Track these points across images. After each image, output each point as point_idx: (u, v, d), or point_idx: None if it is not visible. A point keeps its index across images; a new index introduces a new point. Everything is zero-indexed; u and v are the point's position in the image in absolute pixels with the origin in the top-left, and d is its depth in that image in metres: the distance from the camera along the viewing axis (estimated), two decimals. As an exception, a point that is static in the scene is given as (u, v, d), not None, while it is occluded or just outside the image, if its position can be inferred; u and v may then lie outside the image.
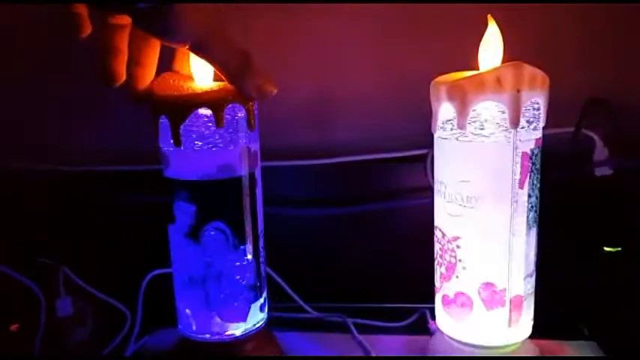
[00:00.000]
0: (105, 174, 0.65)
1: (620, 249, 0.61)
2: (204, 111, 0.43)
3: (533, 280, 0.46)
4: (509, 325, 0.45)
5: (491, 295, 0.45)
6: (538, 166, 0.44)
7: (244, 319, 0.47)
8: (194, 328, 0.47)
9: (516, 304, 0.45)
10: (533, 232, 0.45)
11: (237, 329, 0.47)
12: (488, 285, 0.44)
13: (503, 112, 0.42)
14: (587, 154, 0.62)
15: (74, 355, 0.54)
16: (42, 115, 0.66)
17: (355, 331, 0.54)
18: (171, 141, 0.43)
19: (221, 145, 0.44)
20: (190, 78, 0.45)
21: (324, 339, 0.54)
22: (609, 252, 0.61)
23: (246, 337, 0.48)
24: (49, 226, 0.64)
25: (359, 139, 0.63)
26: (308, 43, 0.63)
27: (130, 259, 0.62)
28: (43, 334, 0.53)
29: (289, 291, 0.59)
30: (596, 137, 0.62)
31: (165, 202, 0.46)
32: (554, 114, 0.63)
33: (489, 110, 0.42)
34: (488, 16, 0.45)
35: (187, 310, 0.47)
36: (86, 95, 0.59)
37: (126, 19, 0.43)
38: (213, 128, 0.43)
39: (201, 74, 0.45)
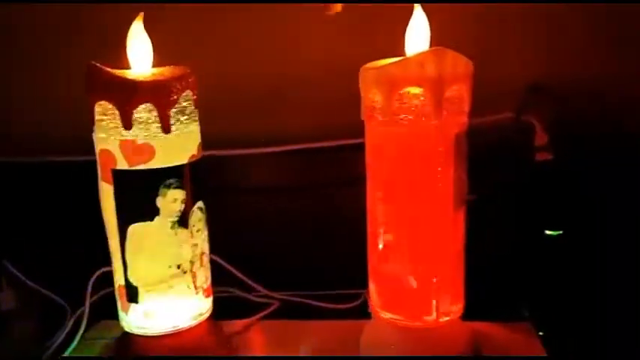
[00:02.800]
0: (50, 165, 0.64)
1: (561, 232, 0.63)
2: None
3: (462, 262, 0.47)
4: (437, 308, 0.46)
5: (419, 278, 0.45)
6: (464, 151, 0.45)
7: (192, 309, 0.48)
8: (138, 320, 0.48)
9: (444, 286, 0.46)
10: (460, 216, 0.46)
11: (180, 319, 0.48)
12: (416, 268, 0.45)
13: (427, 97, 0.42)
14: (527, 139, 0.63)
15: (17, 349, 0.53)
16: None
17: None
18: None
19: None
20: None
21: (268, 326, 0.55)
22: (550, 235, 0.63)
23: (189, 328, 0.49)
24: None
25: (306, 127, 0.64)
26: (254, 32, 0.64)
27: (73, 254, 0.62)
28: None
29: (244, 278, 0.60)
30: (536, 122, 0.63)
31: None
32: (495, 100, 0.65)
33: (415, 95, 0.43)
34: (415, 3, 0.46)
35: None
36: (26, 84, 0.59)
37: None
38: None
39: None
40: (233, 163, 0.63)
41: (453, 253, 0.46)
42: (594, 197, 0.62)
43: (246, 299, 0.59)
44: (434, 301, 0.46)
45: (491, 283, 0.57)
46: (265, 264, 0.61)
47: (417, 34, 0.45)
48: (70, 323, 0.56)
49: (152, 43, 0.47)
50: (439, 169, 0.44)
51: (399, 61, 0.43)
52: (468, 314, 0.50)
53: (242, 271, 0.60)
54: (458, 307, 0.48)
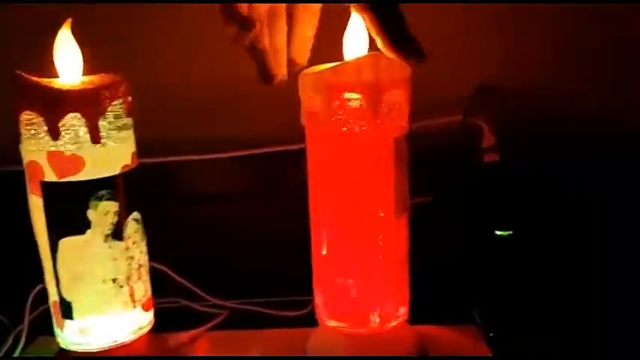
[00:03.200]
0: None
1: (510, 232, 0.63)
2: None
3: (406, 268, 0.47)
4: (381, 314, 0.45)
5: (362, 284, 0.45)
6: (405, 155, 0.45)
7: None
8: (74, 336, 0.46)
9: (387, 292, 0.45)
10: (403, 220, 0.46)
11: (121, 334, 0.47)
12: (359, 275, 0.45)
13: (365, 102, 0.42)
14: (475, 141, 0.63)
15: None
16: None
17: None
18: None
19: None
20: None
21: (214, 337, 0.54)
22: (500, 236, 0.63)
23: (131, 341, 0.47)
24: None
25: (252, 133, 0.63)
26: (201, 36, 0.63)
27: (13, 269, 0.59)
28: None
29: (191, 287, 0.59)
30: (483, 124, 0.63)
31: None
32: (443, 102, 0.65)
33: (353, 100, 0.42)
34: (351, 6, 0.45)
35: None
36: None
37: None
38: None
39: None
40: (178, 169, 0.62)
41: (397, 258, 0.46)
42: (543, 197, 0.63)
43: (193, 309, 0.58)
44: (377, 307, 0.45)
45: (441, 286, 0.57)
46: (213, 272, 0.60)
47: (355, 38, 0.45)
48: (11, 339, 0.54)
49: (89, 50, 0.46)
50: (379, 174, 0.43)
51: (336, 66, 0.43)
52: (418, 318, 0.50)
53: (189, 280, 0.59)
54: (403, 312, 0.47)
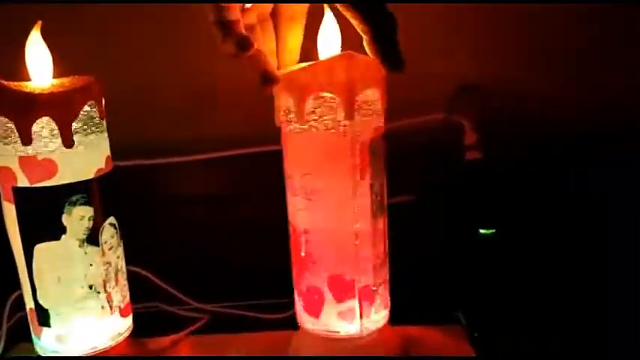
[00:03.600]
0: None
1: (494, 230, 0.63)
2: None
3: (385, 269, 0.46)
4: (361, 317, 0.45)
5: (341, 287, 0.44)
6: (381, 155, 0.44)
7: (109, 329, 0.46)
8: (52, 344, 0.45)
9: (366, 294, 0.45)
10: (381, 221, 0.45)
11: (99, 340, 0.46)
12: (337, 277, 0.44)
13: (338, 102, 0.41)
14: (457, 139, 0.63)
15: None
16: None
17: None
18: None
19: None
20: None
21: (194, 341, 0.53)
22: (484, 234, 0.63)
23: (110, 348, 0.47)
24: None
25: (230, 134, 0.62)
26: (176, 38, 0.62)
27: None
28: None
29: (173, 292, 0.58)
30: (465, 122, 0.63)
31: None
32: (424, 101, 0.64)
33: (327, 100, 0.42)
34: (325, 5, 0.44)
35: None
36: None
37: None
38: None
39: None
40: (158, 172, 0.61)
41: (376, 260, 0.45)
42: (525, 196, 0.63)
43: (173, 314, 0.57)
44: (357, 310, 0.45)
45: (425, 286, 0.56)
46: (194, 275, 0.59)
47: (328, 38, 0.44)
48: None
49: (61, 52, 0.45)
50: (354, 174, 0.43)
51: (309, 66, 0.42)
52: (401, 318, 0.50)
53: (169, 284, 0.58)
54: (384, 314, 0.47)
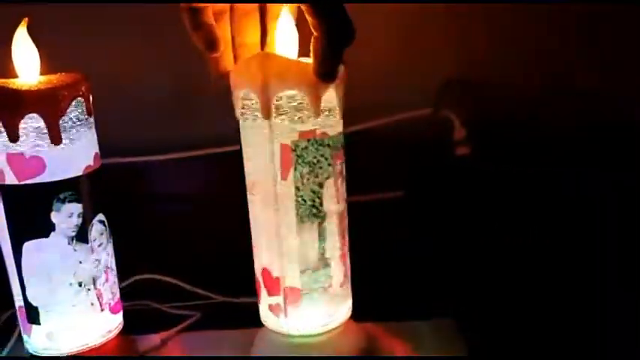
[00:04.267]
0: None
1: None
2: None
3: (320, 274, 0.45)
4: (286, 315, 0.45)
5: (269, 281, 0.45)
6: (310, 159, 0.43)
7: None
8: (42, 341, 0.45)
9: (292, 295, 0.44)
10: (310, 227, 0.44)
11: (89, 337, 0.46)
12: (266, 271, 0.45)
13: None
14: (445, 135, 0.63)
15: None
16: None
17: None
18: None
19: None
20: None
21: (185, 338, 0.53)
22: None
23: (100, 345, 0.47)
24: None
25: (217, 132, 0.62)
26: (162, 33, 0.62)
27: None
28: None
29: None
30: (454, 117, 0.63)
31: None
32: (414, 96, 0.65)
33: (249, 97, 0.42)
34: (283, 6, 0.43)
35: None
36: None
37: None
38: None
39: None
40: (143, 169, 0.61)
41: (305, 266, 0.44)
42: (516, 192, 0.63)
43: (164, 311, 0.57)
44: (282, 307, 0.45)
45: (413, 282, 0.57)
46: (185, 273, 0.60)
47: (284, 37, 0.44)
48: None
49: (48, 49, 0.45)
50: (277, 175, 0.42)
51: (238, 64, 0.43)
52: (392, 313, 0.51)
53: (161, 280, 0.58)
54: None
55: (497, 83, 0.64)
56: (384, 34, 0.61)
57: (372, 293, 0.50)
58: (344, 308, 0.47)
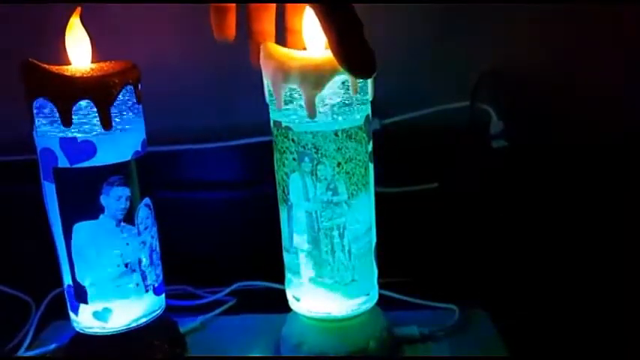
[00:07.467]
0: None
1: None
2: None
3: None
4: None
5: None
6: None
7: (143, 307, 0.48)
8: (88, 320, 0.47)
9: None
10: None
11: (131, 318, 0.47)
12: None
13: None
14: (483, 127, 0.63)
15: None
16: None
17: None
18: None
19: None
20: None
21: (219, 322, 0.55)
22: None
23: (145, 325, 0.48)
24: None
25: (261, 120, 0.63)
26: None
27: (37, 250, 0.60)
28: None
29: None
30: (491, 110, 0.63)
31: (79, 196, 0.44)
32: (451, 89, 0.65)
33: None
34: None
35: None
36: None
37: None
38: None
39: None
40: (182, 158, 0.62)
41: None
42: (552, 183, 0.63)
43: (202, 296, 0.59)
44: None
45: (448, 271, 0.57)
46: (222, 259, 0.61)
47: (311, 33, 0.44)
48: (36, 319, 0.55)
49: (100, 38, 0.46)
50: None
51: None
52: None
53: (198, 267, 0.60)
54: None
55: (534, 76, 0.64)
56: (421, 27, 0.62)
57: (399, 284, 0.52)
58: (370, 296, 0.47)
